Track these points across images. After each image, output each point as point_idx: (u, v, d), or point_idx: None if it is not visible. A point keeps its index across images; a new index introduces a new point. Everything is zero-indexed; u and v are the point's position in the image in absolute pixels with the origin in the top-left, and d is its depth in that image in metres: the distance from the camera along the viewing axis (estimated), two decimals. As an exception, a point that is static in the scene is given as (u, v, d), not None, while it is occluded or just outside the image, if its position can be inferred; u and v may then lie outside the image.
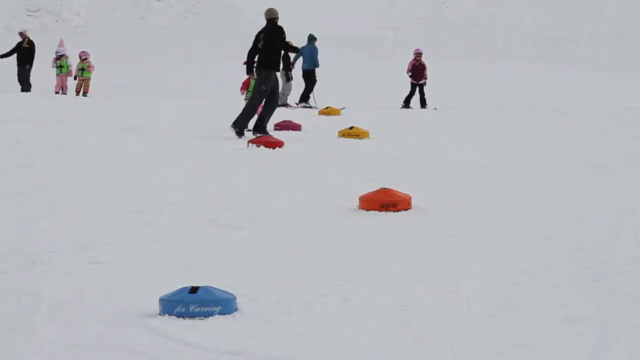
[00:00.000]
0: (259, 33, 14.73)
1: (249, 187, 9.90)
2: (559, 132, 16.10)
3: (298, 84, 23.68)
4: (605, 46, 50.47)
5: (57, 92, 24.01)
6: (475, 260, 6.87)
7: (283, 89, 21.83)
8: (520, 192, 9.92)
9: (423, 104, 23.74)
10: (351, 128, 15.05)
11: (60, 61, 24.19)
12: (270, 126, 16.09)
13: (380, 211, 8.55)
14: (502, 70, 42.56)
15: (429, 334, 5.12)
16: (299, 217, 8.46)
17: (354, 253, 7.09)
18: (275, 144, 12.94)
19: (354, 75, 37.54)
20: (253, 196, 9.31)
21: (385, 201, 8.61)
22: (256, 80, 14.76)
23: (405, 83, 24.36)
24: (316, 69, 23.80)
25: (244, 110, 14.78)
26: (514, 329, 5.23)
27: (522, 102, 24.67)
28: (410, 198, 8.77)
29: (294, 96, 23.62)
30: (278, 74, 15.05)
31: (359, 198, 8.82)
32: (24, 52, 24.53)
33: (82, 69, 24.03)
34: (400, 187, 9.07)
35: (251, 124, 15.05)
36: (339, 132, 15.04)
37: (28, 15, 49.83)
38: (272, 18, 14.74)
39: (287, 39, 14.79)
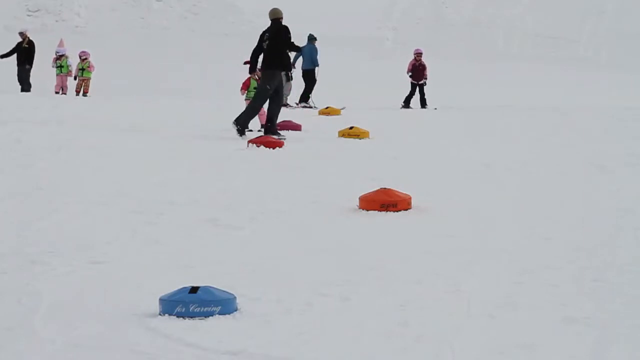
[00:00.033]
0: (264, 33, 14.75)
1: (249, 187, 9.90)
2: (559, 132, 16.10)
3: (298, 84, 23.68)
4: (605, 46, 50.49)
5: (57, 92, 24.01)
6: (475, 260, 6.87)
7: (283, 89, 21.82)
8: (520, 192, 9.92)
9: (423, 104, 23.74)
10: (351, 128, 15.05)
11: (60, 61, 24.19)
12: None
13: (380, 211, 8.55)
14: (502, 70, 42.57)
15: (429, 334, 5.12)
16: (299, 217, 8.46)
17: (354, 253, 7.09)
18: (275, 144, 12.94)
19: (354, 75, 37.54)
20: (253, 196, 9.31)
21: (385, 201, 8.61)
22: (261, 79, 14.79)
23: (405, 83, 24.36)
24: (316, 68, 23.80)
25: (247, 108, 14.80)
26: (514, 329, 5.23)
27: (522, 102, 24.66)
28: (410, 198, 8.77)
29: (294, 96, 23.62)
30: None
31: (359, 198, 8.82)
32: (24, 52, 24.53)
33: (82, 69, 24.03)
34: (400, 187, 9.07)
35: (252, 124, 15.07)
36: (339, 132, 15.04)
37: (28, 15, 49.84)
38: (276, 18, 14.75)
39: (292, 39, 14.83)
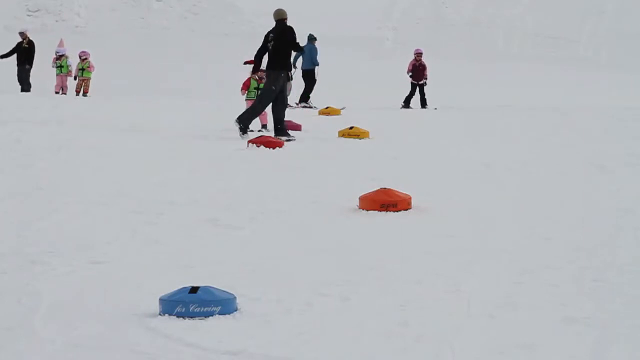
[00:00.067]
0: (269, 33, 14.76)
1: (249, 187, 9.90)
2: (559, 132, 16.10)
3: (298, 84, 23.68)
4: (605, 46, 50.48)
5: (57, 92, 24.01)
6: (475, 260, 6.87)
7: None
8: (520, 192, 9.92)
9: (423, 104, 23.74)
10: (351, 128, 15.05)
11: (60, 61, 24.19)
12: (270, 126, 16.12)
13: (380, 211, 8.55)
14: (502, 70, 42.57)
15: (429, 334, 5.12)
16: (299, 217, 8.46)
17: (354, 253, 7.09)
18: (275, 144, 12.94)
19: (354, 75, 37.55)
20: (253, 196, 9.31)
21: (385, 201, 8.61)
22: (266, 80, 14.80)
23: (405, 83, 24.35)
24: (316, 68, 23.80)
25: (251, 107, 14.81)
26: (514, 329, 5.23)
27: (522, 102, 24.66)
28: (410, 198, 8.77)
29: (294, 96, 23.61)
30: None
31: (359, 198, 8.82)
32: (24, 52, 24.53)
33: (82, 69, 24.03)
34: (400, 187, 9.07)
35: (254, 125, 15.08)
36: (339, 132, 15.04)
37: (28, 15, 49.83)
38: (281, 19, 14.76)
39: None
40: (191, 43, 46.68)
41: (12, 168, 10.73)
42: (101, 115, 17.09)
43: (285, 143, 13.29)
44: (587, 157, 12.52)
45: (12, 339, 5.06)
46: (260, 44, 14.83)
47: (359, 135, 14.77)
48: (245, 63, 16.76)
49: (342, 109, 20.77)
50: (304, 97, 23.68)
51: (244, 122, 14.41)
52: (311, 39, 24.09)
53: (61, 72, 24.18)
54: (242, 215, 8.37)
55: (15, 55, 24.69)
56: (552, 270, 6.53)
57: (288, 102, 22.80)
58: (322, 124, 17.65)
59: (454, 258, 6.90)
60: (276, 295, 5.83)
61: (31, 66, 24.55)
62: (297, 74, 23.59)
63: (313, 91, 23.79)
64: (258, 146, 12.77)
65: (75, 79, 24.10)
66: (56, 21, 49.63)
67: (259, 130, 15.47)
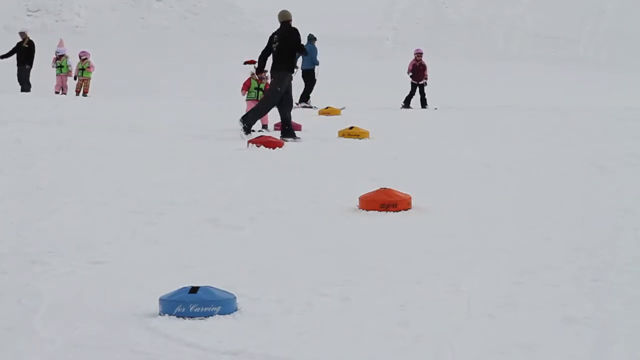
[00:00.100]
0: (273, 34, 14.77)
1: (249, 187, 9.90)
2: (559, 132, 16.10)
3: (298, 83, 23.67)
4: (605, 46, 50.50)
5: (57, 92, 24.02)
6: (475, 260, 6.87)
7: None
8: (520, 192, 9.92)
9: (423, 104, 23.75)
10: (351, 128, 15.05)
11: (60, 61, 24.21)
12: (270, 126, 16.14)
13: (380, 211, 8.55)
14: (502, 70, 42.58)
15: (429, 334, 5.12)
16: (299, 217, 8.46)
17: (354, 253, 7.09)
18: (275, 144, 12.94)
19: (354, 75, 37.55)
20: (253, 196, 9.31)
21: (385, 201, 8.61)
22: (271, 81, 14.81)
23: (405, 83, 24.36)
24: (316, 68, 23.80)
25: (256, 108, 14.82)
26: (514, 329, 5.23)
27: (522, 102, 24.67)
28: (410, 198, 8.77)
29: (294, 96, 23.58)
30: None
31: (359, 198, 8.82)
32: (24, 52, 24.54)
33: (82, 69, 24.04)
34: (400, 187, 9.07)
35: (255, 125, 15.08)
36: (339, 132, 15.05)
37: (28, 15, 49.85)
38: (285, 20, 14.77)
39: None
40: (191, 43, 46.69)
41: (12, 168, 10.73)
42: (101, 115, 17.09)
43: (285, 143, 13.29)
44: (587, 157, 12.52)
45: (12, 339, 5.06)
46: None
47: (359, 135, 14.78)
48: (246, 63, 16.76)
49: (342, 109, 20.77)
50: (304, 97, 23.68)
51: (248, 122, 14.43)
52: (311, 39, 24.09)
53: (61, 72, 24.19)
54: (242, 215, 8.37)
55: (15, 55, 24.70)
56: (552, 270, 6.53)
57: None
58: (322, 124, 17.66)
59: (454, 258, 6.90)
60: (276, 295, 5.83)
61: (31, 66, 24.55)
62: (297, 74, 23.60)
63: (313, 91, 23.79)
64: (258, 146, 12.77)
65: (75, 79, 24.11)
66: (56, 21, 49.65)
67: (260, 131, 15.47)
